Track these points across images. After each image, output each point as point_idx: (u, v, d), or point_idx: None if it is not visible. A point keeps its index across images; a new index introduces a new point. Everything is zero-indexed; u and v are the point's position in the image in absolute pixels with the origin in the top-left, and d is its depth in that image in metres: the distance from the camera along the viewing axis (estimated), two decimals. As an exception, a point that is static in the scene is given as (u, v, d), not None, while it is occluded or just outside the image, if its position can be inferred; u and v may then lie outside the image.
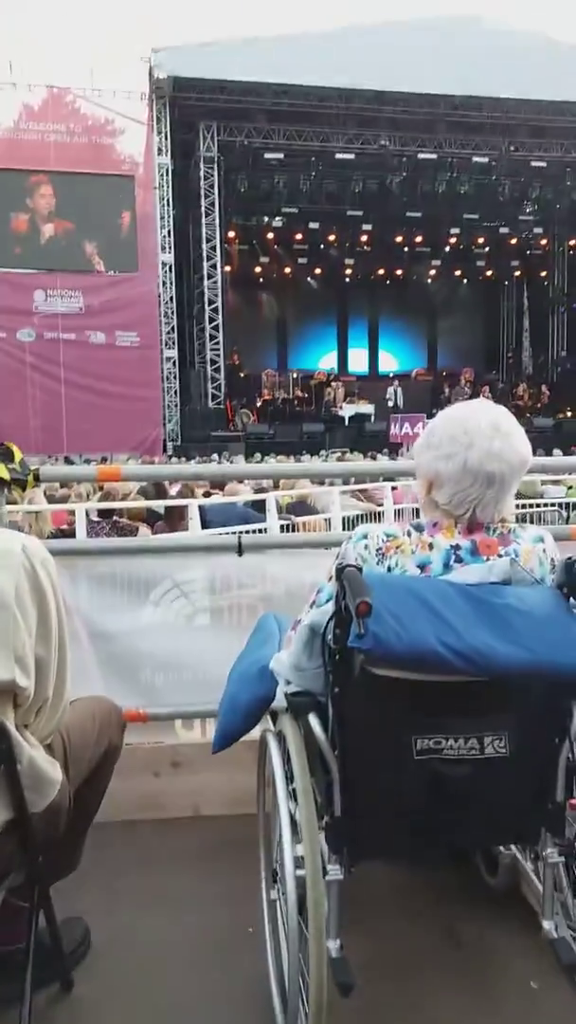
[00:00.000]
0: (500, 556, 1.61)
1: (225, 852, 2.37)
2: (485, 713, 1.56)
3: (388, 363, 25.86)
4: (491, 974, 1.90)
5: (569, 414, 20.79)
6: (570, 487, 8.96)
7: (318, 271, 24.40)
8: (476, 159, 19.05)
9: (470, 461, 1.59)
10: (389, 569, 1.61)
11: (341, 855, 1.60)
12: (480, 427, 1.60)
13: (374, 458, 13.47)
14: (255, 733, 2.07)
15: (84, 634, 2.76)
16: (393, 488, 8.85)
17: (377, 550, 1.63)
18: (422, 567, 1.60)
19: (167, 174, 18.45)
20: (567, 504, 8.31)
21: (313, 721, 1.61)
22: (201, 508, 6.24)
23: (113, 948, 1.98)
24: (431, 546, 1.61)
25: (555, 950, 1.63)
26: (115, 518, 6.02)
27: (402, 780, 1.54)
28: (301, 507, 7.78)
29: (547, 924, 1.68)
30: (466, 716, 1.55)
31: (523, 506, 7.68)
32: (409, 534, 1.64)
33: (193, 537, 4.59)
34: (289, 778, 1.69)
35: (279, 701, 1.80)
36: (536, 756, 1.61)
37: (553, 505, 8.14)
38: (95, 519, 5.99)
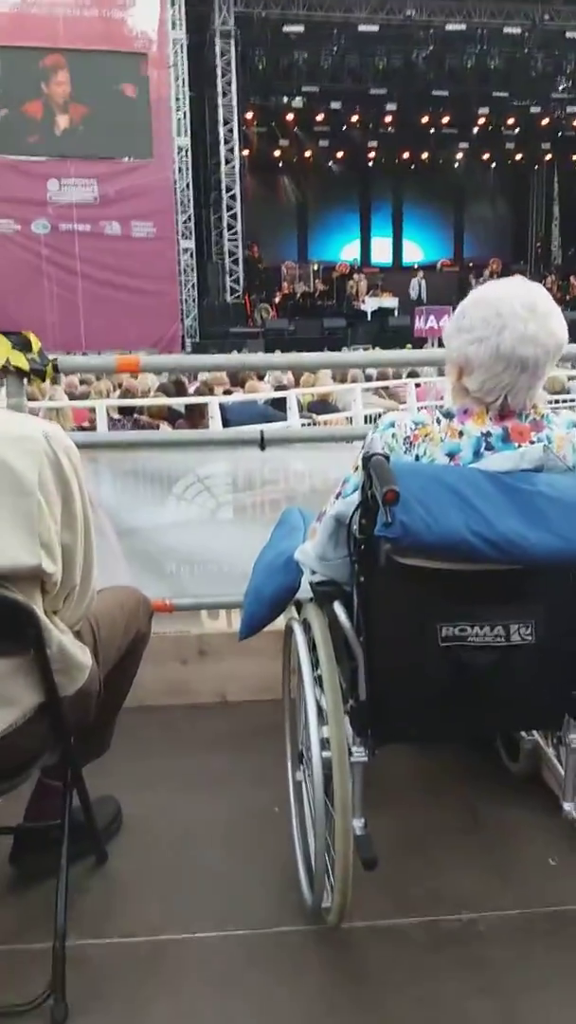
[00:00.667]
0: (532, 443, 1.56)
1: (251, 736, 2.44)
2: (513, 601, 1.55)
3: (413, 253, 24.96)
4: (510, 851, 1.96)
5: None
6: (599, 382, 8.75)
7: (340, 155, 23.27)
8: (507, 30, 17.76)
9: (503, 345, 1.51)
10: (417, 458, 1.57)
11: (365, 738, 1.63)
12: (514, 309, 1.52)
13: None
14: (279, 623, 2.09)
15: (110, 527, 2.77)
16: (417, 385, 8.69)
17: (405, 439, 1.59)
18: (451, 455, 1.56)
19: (182, 51, 17.40)
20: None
21: (338, 609, 1.61)
22: (221, 406, 6.18)
23: (145, 825, 2.06)
24: (461, 433, 1.57)
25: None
26: (135, 416, 5.99)
27: (426, 666, 1.55)
28: (322, 405, 7.68)
29: (567, 805, 1.72)
30: (493, 604, 1.54)
31: (549, 402, 7.53)
32: (438, 421, 1.59)
33: (215, 432, 4.55)
34: (314, 665, 1.71)
35: (304, 590, 1.81)
36: (562, 644, 1.60)
37: (578, 402, 7.97)
38: (115, 417, 5.97)
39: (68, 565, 1.51)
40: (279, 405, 6.74)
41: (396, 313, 18.94)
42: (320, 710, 1.63)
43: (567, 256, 24.37)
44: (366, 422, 7.45)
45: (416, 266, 22.92)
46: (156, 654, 2.54)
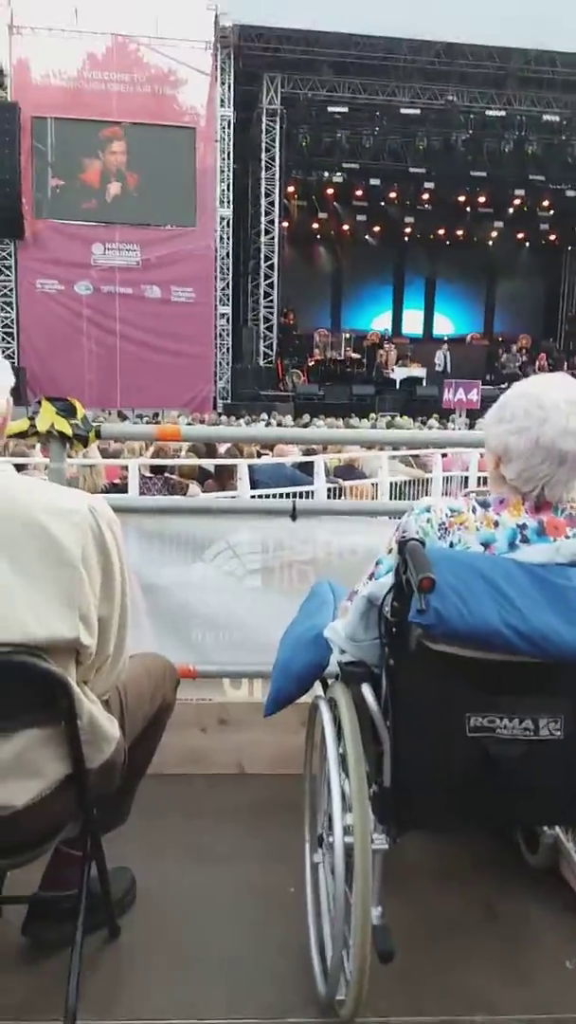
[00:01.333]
0: (568, 537, 1.57)
1: (268, 811, 2.41)
2: (542, 694, 1.54)
3: (443, 326, 25.37)
4: (526, 949, 1.91)
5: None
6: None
7: (377, 229, 23.91)
8: (546, 117, 18.39)
9: (543, 438, 1.54)
10: (452, 545, 1.59)
11: (387, 825, 1.61)
12: (557, 403, 1.54)
13: (424, 423, 13.32)
14: (303, 697, 2.09)
15: (137, 590, 2.80)
16: (443, 455, 8.75)
17: (440, 524, 1.61)
18: (486, 545, 1.58)
19: (229, 126, 18.18)
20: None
21: (366, 691, 1.61)
22: (250, 468, 6.26)
23: (158, 898, 2.03)
24: (496, 524, 1.58)
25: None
26: (166, 475, 6.08)
27: (453, 756, 1.54)
28: (349, 471, 7.74)
29: (589, 905, 1.68)
30: (522, 696, 1.53)
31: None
32: (474, 510, 1.61)
33: (248, 500, 4.61)
34: (339, 745, 1.70)
35: (332, 668, 1.81)
36: (591, 740, 1.59)
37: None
38: (147, 475, 6.05)
39: (103, 637, 1.53)
40: (306, 469, 6.81)
41: (424, 383, 19.17)
42: (343, 795, 1.62)
43: (597, 335, 24.65)
44: (391, 490, 7.51)
45: (445, 338, 23.26)
46: (176, 721, 2.52)
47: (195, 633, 2.80)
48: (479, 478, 7.12)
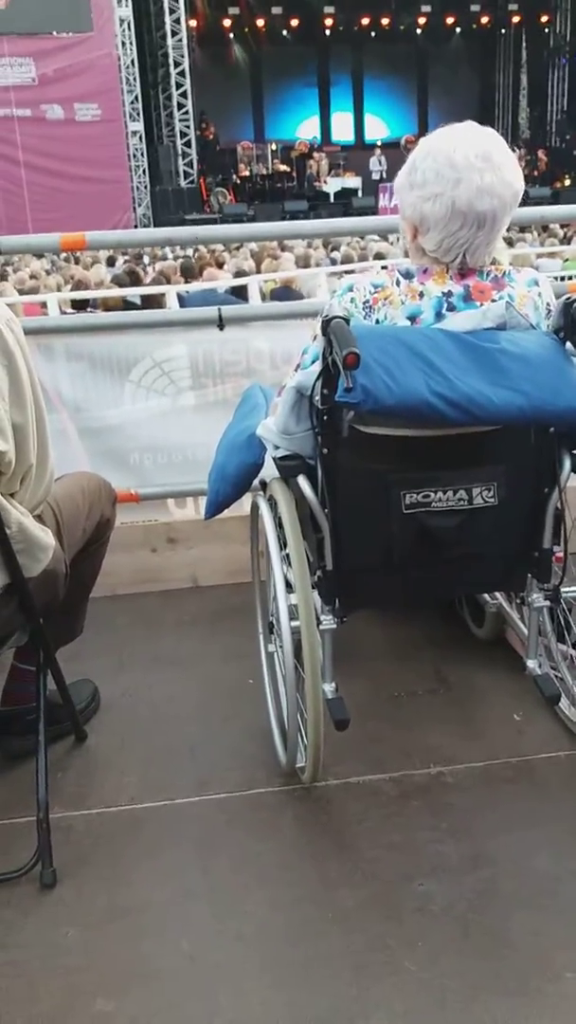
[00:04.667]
0: (494, 301, 1.52)
1: (224, 617, 2.48)
2: (475, 464, 1.55)
3: (375, 128, 23.89)
4: (477, 709, 2.04)
5: (568, 183, 19.54)
6: (567, 260, 8.59)
7: (295, 23, 21.84)
8: None
9: (459, 201, 1.45)
10: (378, 322, 1.53)
11: (333, 606, 1.65)
12: (469, 159, 1.44)
13: (362, 236, 12.78)
14: (246, 509, 2.09)
15: (71, 426, 2.72)
16: (383, 267, 8.47)
17: (364, 303, 1.55)
18: (412, 318, 1.53)
19: None
20: (564, 278, 7.98)
21: (303, 482, 1.60)
22: (179, 296, 5.98)
23: (123, 704, 2.11)
24: (421, 295, 1.53)
25: (538, 685, 1.74)
26: (89, 310, 5.80)
27: (391, 533, 1.56)
28: (286, 292, 7.46)
29: (531, 663, 1.78)
30: (455, 468, 1.54)
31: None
32: (398, 283, 1.55)
33: (172, 312, 4.41)
34: (282, 541, 1.71)
35: (268, 469, 1.79)
36: (525, 505, 1.62)
37: (549, 278, 7.82)
38: (68, 311, 5.76)
39: (21, 445, 1.47)
40: (240, 293, 6.55)
41: (360, 194, 18.30)
42: (288, 581, 1.64)
43: (535, 127, 23.48)
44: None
45: (378, 143, 21.98)
46: (126, 543, 2.56)
47: (132, 457, 2.76)
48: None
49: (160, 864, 1.60)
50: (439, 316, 1.52)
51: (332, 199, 18.43)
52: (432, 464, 1.54)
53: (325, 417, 1.51)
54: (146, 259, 11.05)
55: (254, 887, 1.54)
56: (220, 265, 8.25)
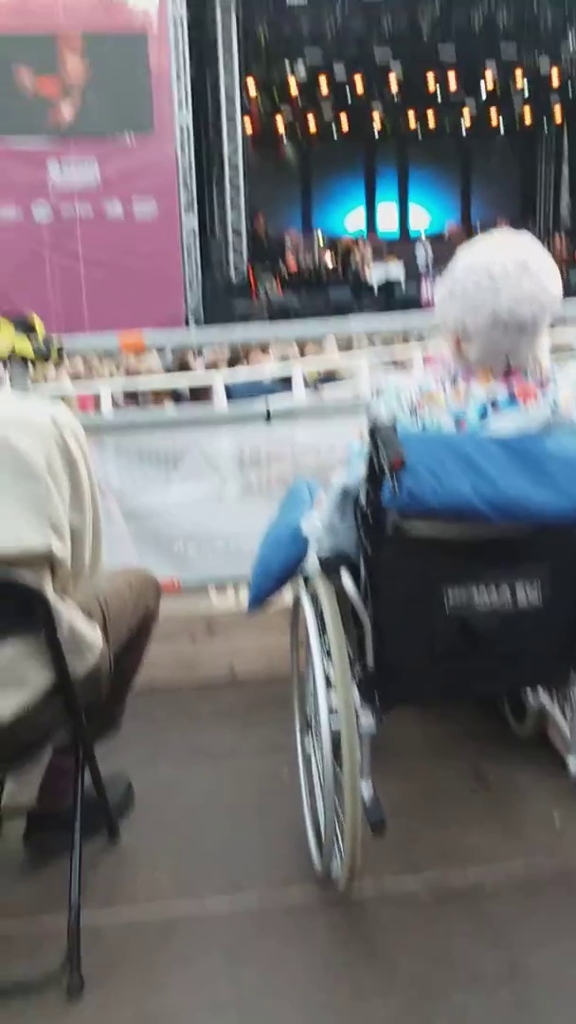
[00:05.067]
0: (538, 401, 1.55)
1: (261, 710, 2.47)
2: (518, 563, 1.55)
3: (420, 217, 24.65)
4: (516, 810, 1.99)
5: (610, 270, 19.84)
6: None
7: (344, 123, 22.93)
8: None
9: (499, 310, 1.50)
10: (424, 426, 1.57)
11: (373, 703, 1.64)
12: (507, 269, 1.50)
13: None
14: (285, 599, 2.11)
15: (116, 510, 2.80)
16: (425, 357, 8.60)
17: (410, 405, 1.59)
18: (458, 420, 1.56)
19: (182, 26, 17.14)
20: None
21: (345, 577, 1.62)
22: (226, 386, 6.17)
23: (156, 800, 2.09)
24: (466, 397, 1.57)
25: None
26: (139, 400, 5.98)
27: (434, 632, 1.56)
28: (330, 380, 7.63)
29: (573, 762, 1.74)
30: (499, 567, 1.54)
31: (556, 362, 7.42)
32: (444, 387, 1.59)
33: (220, 408, 4.55)
34: (322, 635, 1.72)
35: (311, 562, 1.82)
36: (568, 603, 1.60)
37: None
38: (120, 404, 5.95)
39: (77, 546, 1.53)
40: (285, 383, 6.71)
41: (403, 286, 18.74)
42: (328, 678, 1.65)
43: (575, 217, 24.01)
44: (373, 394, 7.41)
45: (422, 234, 22.64)
46: (165, 633, 2.56)
47: (177, 546, 2.82)
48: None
49: (190, 972, 1.57)
50: (484, 418, 1.55)
51: (376, 291, 18.91)
52: (476, 563, 1.54)
53: (369, 517, 1.54)
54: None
55: (285, 996, 1.50)
56: (265, 350, 8.48)
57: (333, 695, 1.60)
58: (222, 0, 17.18)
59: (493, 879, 1.76)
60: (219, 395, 5.91)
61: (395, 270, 19.18)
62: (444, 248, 21.28)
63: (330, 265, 20.48)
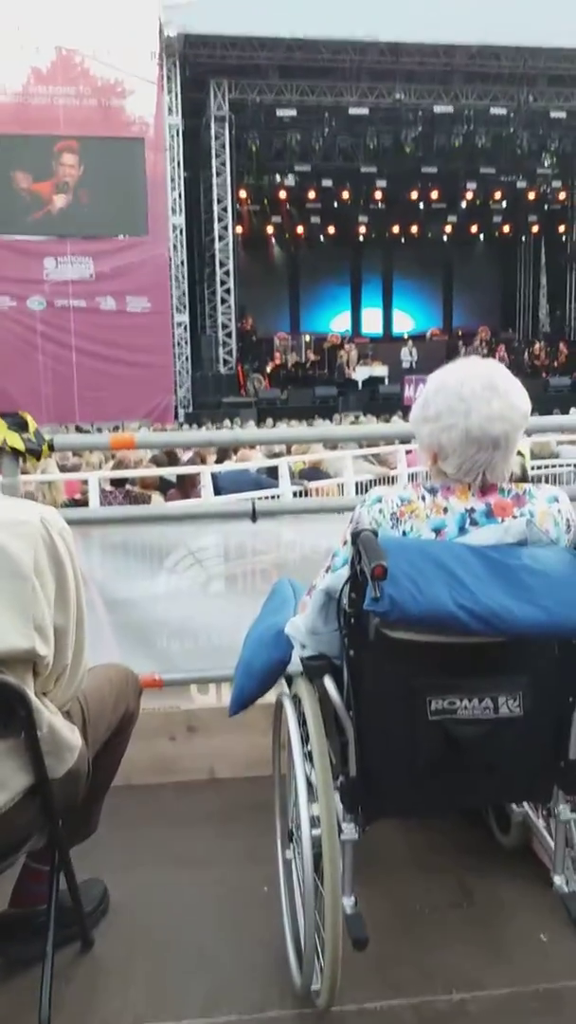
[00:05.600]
0: (515, 517, 1.60)
1: (241, 813, 2.41)
2: (500, 673, 1.56)
3: (403, 322, 25.56)
4: (501, 927, 1.93)
5: (586, 373, 20.53)
6: (588, 447, 8.85)
7: (331, 230, 24.00)
8: (493, 111, 18.58)
9: (472, 429, 1.57)
10: (404, 534, 1.61)
11: (356, 814, 1.62)
12: (475, 391, 1.58)
13: (387, 421, 13.41)
14: (269, 697, 2.10)
15: (100, 602, 2.79)
16: (407, 452, 8.80)
17: (392, 514, 1.63)
18: (437, 531, 1.60)
19: (177, 135, 18.16)
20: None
21: (328, 683, 1.62)
22: (213, 475, 6.25)
23: (131, 907, 2.02)
24: (446, 509, 1.61)
25: (566, 904, 1.66)
26: (127, 487, 6.04)
27: (416, 740, 1.56)
28: (314, 473, 7.76)
29: (558, 879, 1.71)
30: (481, 676, 1.56)
31: (538, 467, 7.62)
32: (423, 498, 1.64)
33: (206, 504, 4.60)
34: (304, 740, 1.71)
35: (294, 665, 1.82)
36: (550, 715, 1.62)
37: (569, 465, 8.07)
38: (107, 488, 6.01)
39: (60, 646, 1.53)
40: (271, 473, 6.81)
41: (386, 381, 19.29)
42: (310, 786, 1.63)
43: (555, 322, 24.98)
44: (357, 490, 7.55)
45: (406, 336, 23.43)
46: (144, 730, 2.52)
47: (160, 642, 2.79)
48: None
49: None
50: (462, 531, 1.59)
51: (360, 386, 19.41)
52: (458, 671, 1.56)
53: (352, 620, 1.56)
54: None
55: None
56: (253, 446, 8.62)
57: (315, 806, 1.58)
58: (216, 111, 18.20)
59: (478, 1002, 1.70)
60: (206, 486, 5.99)
61: (379, 369, 19.78)
62: (427, 349, 22.08)
63: (316, 359, 21.09)
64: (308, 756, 1.68)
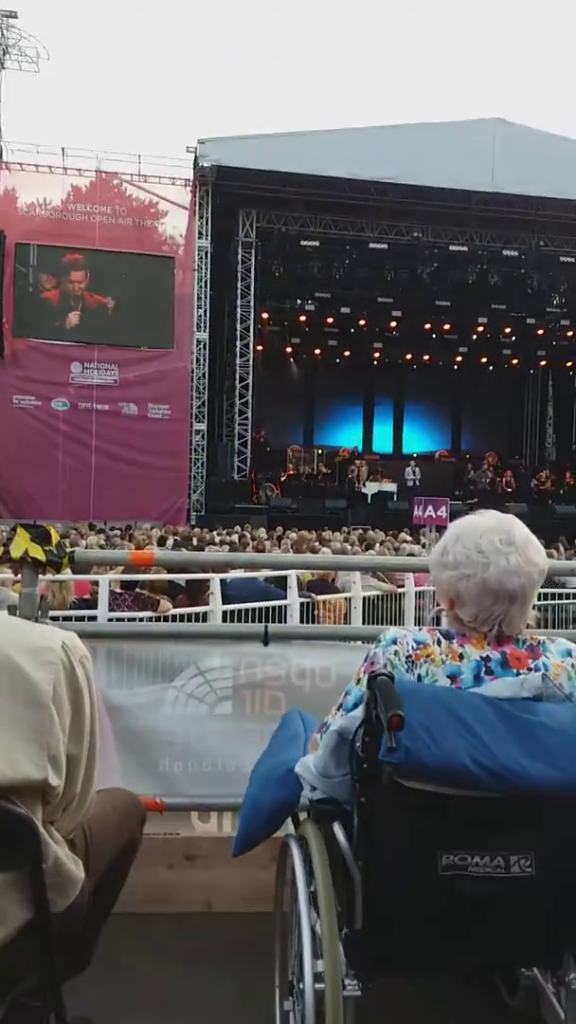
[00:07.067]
0: (530, 669, 1.61)
1: (238, 952, 2.32)
2: (513, 831, 1.54)
3: (412, 443, 26.14)
4: None
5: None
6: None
7: (347, 353, 24.94)
8: (506, 252, 19.60)
9: (489, 581, 1.61)
10: (419, 678, 1.62)
11: (360, 969, 1.57)
12: (494, 544, 1.62)
13: (395, 536, 13.52)
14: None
15: (105, 717, 2.76)
16: (414, 572, 8.83)
17: (407, 657, 1.64)
18: (452, 677, 1.61)
19: (206, 256, 19.16)
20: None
21: (337, 830, 1.60)
22: (222, 582, 6.26)
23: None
24: (461, 656, 1.63)
25: None
26: (137, 590, 6.06)
27: (425, 894, 1.53)
28: (322, 585, 7.78)
29: (568, 1054, 1.63)
30: (493, 833, 1.54)
31: (543, 596, 7.61)
32: (439, 643, 1.65)
33: (219, 626, 4.60)
34: (309, 884, 1.67)
35: (302, 805, 1.80)
36: (563, 877, 1.58)
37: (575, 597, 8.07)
38: (117, 590, 6.03)
39: (71, 776, 1.52)
40: (280, 582, 6.82)
41: (395, 497, 19.53)
42: (314, 938, 1.58)
43: (561, 451, 25.49)
44: (364, 606, 7.53)
45: (414, 455, 23.90)
46: (142, 857, 2.44)
47: (163, 763, 2.74)
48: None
49: None
50: (478, 679, 1.60)
51: (369, 500, 19.65)
52: (471, 826, 1.54)
53: (365, 765, 1.55)
54: (195, 541, 11.66)
55: None
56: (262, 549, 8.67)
57: (319, 963, 1.53)
58: (244, 237, 19.24)
59: None
60: (215, 593, 5.99)
61: (388, 486, 20.07)
62: (433, 468, 22.45)
63: (327, 472, 21.47)
64: (312, 901, 1.64)
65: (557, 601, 8.04)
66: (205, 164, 17.97)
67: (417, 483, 20.62)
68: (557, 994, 1.81)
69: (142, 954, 2.32)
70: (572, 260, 19.67)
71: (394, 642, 1.66)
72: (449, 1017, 2.09)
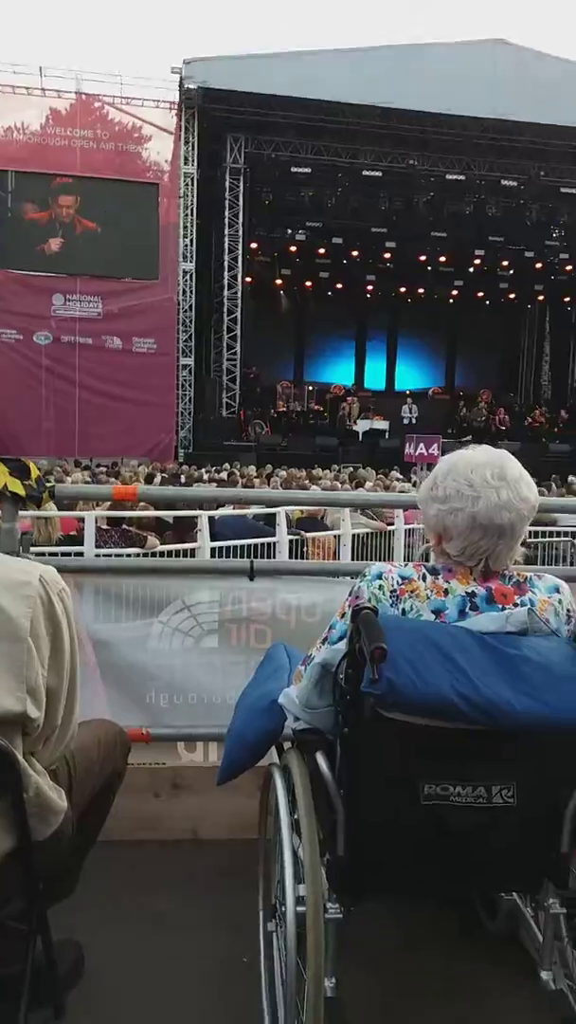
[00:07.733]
0: (516, 605, 1.60)
1: (223, 877, 2.37)
2: (495, 762, 1.55)
3: (406, 379, 25.90)
4: (486, 1016, 1.89)
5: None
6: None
7: (339, 286, 24.48)
8: (504, 182, 19.11)
9: (479, 515, 1.58)
10: (404, 612, 1.61)
11: (341, 893, 1.59)
12: (485, 478, 1.59)
13: (386, 475, 13.49)
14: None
15: (90, 651, 2.76)
16: (404, 508, 8.84)
17: (391, 592, 1.62)
18: (437, 612, 1.60)
19: (192, 183, 18.57)
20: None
21: (320, 759, 1.60)
22: (211, 519, 6.25)
23: (106, 973, 1.97)
24: (446, 591, 1.61)
25: (552, 1003, 1.62)
26: (124, 526, 6.03)
27: (407, 824, 1.54)
28: (311, 522, 7.77)
29: (545, 974, 1.68)
30: (476, 764, 1.54)
31: (535, 534, 7.63)
32: (424, 578, 1.63)
33: (205, 560, 4.59)
34: (292, 812, 1.68)
35: (286, 735, 1.80)
36: (543, 806, 1.60)
37: (566, 535, 8.08)
38: (103, 527, 6.00)
39: (51, 708, 1.51)
40: (269, 519, 6.81)
41: (387, 435, 19.45)
42: (297, 863, 1.60)
43: (556, 389, 25.33)
44: (353, 543, 7.55)
45: (408, 392, 23.71)
46: (129, 786, 2.48)
47: (149, 695, 2.76)
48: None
49: None
50: (462, 614, 1.59)
51: (360, 438, 19.55)
52: (453, 757, 1.54)
53: (348, 697, 1.55)
54: (183, 478, 11.62)
55: None
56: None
57: (301, 887, 1.55)
58: (232, 163, 18.65)
59: None
60: (203, 530, 5.98)
61: (380, 424, 19.95)
62: (427, 405, 22.29)
63: (318, 409, 21.30)
64: (296, 828, 1.65)
65: (549, 539, 8.06)
66: (191, 86, 17.27)
67: (414, 421, 20.51)
68: (535, 918, 1.86)
69: (128, 879, 2.36)
70: (573, 191, 19.18)
71: (379, 576, 1.64)
72: (429, 940, 2.14)
